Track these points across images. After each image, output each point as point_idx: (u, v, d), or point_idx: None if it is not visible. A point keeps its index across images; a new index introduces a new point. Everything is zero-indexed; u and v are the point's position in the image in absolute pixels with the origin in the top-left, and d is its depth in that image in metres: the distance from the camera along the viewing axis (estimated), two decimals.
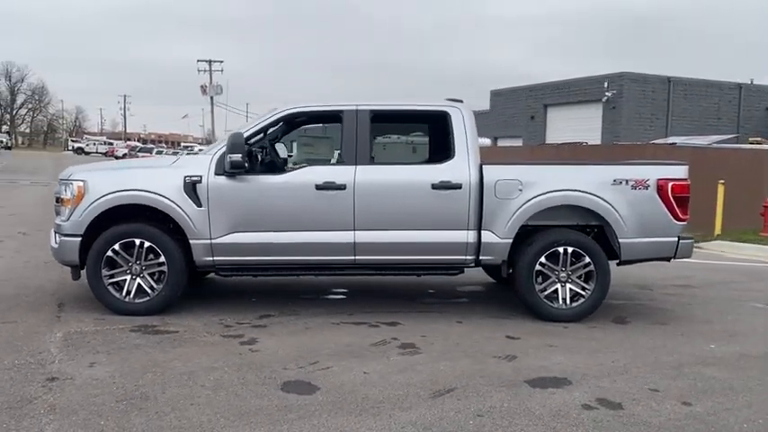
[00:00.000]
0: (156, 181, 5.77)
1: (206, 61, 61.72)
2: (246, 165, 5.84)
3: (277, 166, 6.50)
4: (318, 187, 5.78)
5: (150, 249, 5.79)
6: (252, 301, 6.54)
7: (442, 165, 5.95)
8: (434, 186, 5.82)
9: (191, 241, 5.79)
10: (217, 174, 5.77)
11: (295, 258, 5.90)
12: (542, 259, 5.94)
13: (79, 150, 75.35)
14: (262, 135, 6.50)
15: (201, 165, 5.83)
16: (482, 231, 5.89)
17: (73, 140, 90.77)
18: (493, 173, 5.90)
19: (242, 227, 5.79)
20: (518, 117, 40.28)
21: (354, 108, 6.00)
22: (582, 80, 37.50)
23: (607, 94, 35.75)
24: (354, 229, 5.83)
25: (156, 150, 60.01)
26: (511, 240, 5.91)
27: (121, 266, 5.81)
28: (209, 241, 5.78)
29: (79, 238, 5.75)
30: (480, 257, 5.95)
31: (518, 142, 38.79)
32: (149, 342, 5.04)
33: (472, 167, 5.88)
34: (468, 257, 5.95)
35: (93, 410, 3.68)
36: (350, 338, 5.27)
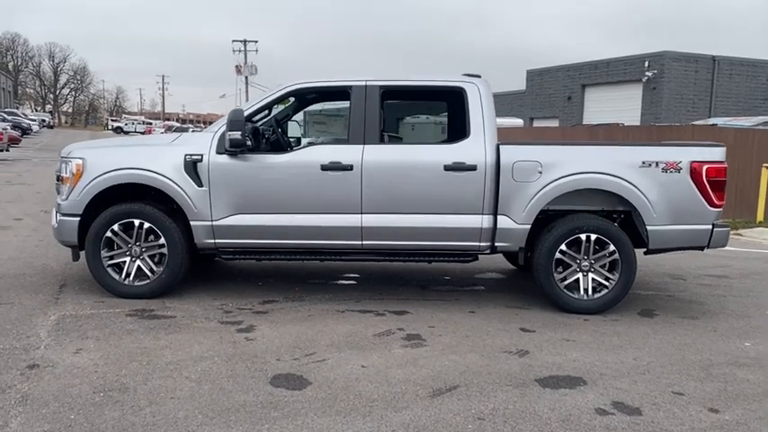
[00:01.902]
0: (155, 159, 5.54)
1: (241, 41, 61.81)
2: (249, 143, 5.57)
3: (282, 146, 6.21)
4: (324, 167, 5.47)
5: (150, 231, 5.58)
6: (258, 285, 6.30)
7: (456, 144, 5.57)
8: (447, 167, 5.45)
9: (191, 223, 5.55)
10: (218, 152, 5.51)
11: (299, 242, 5.62)
12: (563, 247, 5.53)
13: (118, 129, 76.54)
14: (267, 112, 6.22)
15: (203, 143, 5.58)
16: (498, 216, 5.51)
17: (113, 120, 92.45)
18: (510, 154, 5.50)
19: (244, 208, 5.53)
20: (555, 97, 39.27)
21: (363, 83, 5.64)
22: (621, 59, 36.25)
23: (647, 74, 34.50)
24: (361, 213, 5.52)
25: (191, 129, 60.45)
26: (529, 226, 5.52)
27: (121, 248, 5.62)
28: (210, 223, 5.54)
29: (78, 218, 5.57)
30: (496, 244, 5.57)
31: (554, 123, 37.84)
32: (143, 328, 4.83)
33: (488, 148, 5.49)
34: (483, 244, 5.57)
35: (66, 402, 3.47)
36: (353, 327, 4.98)
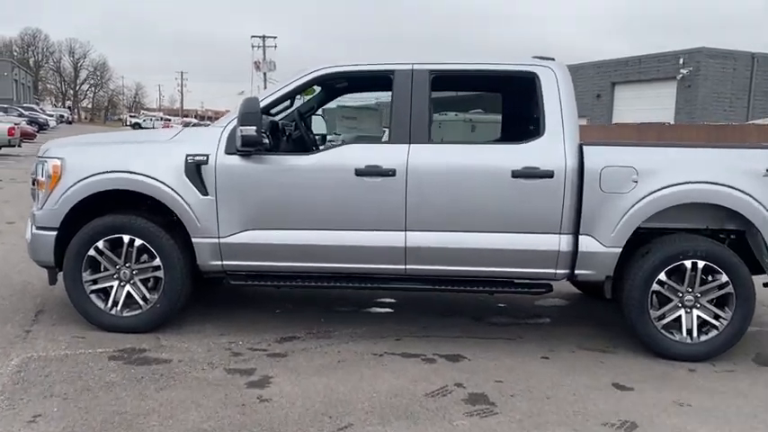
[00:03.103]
0: (149, 160, 4.44)
1: (259, 37, 60.93)
2: (266, 141, 4.46)
3: (307, 145, 5.08)
4: (359, 172, 4.34)
5: (143, 249, 4.49)
6: (275, 313, 5.18)
7: (527, 145, 4.40)
8: (516, 174, 4.29)
9: (193, 240, 4.45)
10: (228, 152, 4.40)
11: (327, 266, 4.49)
12: (662, 276, 4.34)
13: (136, 125, 76.02)
14: (288, 103, 5.11)
15: (208, 140, 4.47)
16: (580, 236, 4.34)
17: (131, 116, 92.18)
18: (597, 157, 4.32)
19: (259, 222, 4.42)
20: (583, 95, 37.78)
21: (409, 67, 4.50)
22: (654, 56, 34.74)
23: (682, 71, 32.95)
24: (406, 230, 4.38)
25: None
26: (620, 250, 4.34)
27: (107, 270, 4.54)
28: (216, 240, 4.43)
29: (54, 232, 4.50)
30: (576, 271, 4.40)
31: (582, 122, 36.36)
32: (127, 379, 3.74)
33: (569, 149, 4.32)
34: (560, 271, 4.40)
35: None
36: (397, 382, 3.84)
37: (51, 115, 54.61)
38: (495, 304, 5.69)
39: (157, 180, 4.38)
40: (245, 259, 4.49)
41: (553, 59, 4.63)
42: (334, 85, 5.53)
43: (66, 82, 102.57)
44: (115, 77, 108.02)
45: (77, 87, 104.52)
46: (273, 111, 4.93)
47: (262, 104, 4.42)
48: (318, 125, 6.09)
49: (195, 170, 4.38)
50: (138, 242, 4.46)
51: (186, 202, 4.39)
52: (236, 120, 4.34)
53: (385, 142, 4.56)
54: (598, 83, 37.56)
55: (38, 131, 37.63)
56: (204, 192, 4.39)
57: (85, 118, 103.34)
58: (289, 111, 5.26)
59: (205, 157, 4.40)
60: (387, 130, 6.41)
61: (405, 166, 4.34)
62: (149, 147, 4.58)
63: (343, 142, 8.52)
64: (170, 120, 78.81)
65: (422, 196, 4.35)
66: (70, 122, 70.94)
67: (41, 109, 59.20)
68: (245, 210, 4.41)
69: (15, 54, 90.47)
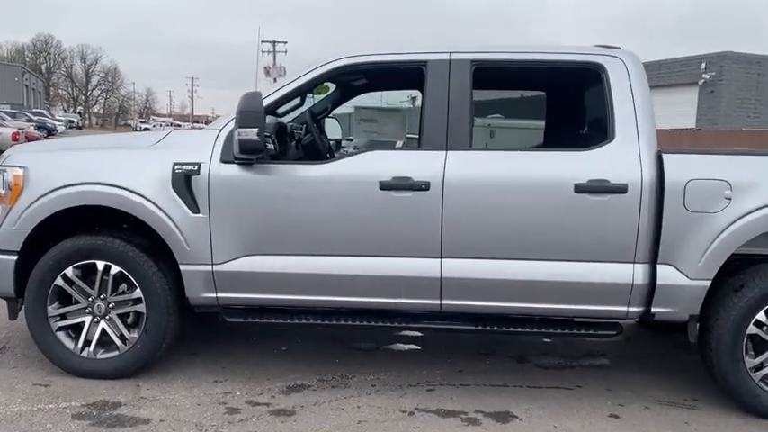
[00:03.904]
0: (127, 169, 3.65)
1: (269, 42, 60.41)
2: (271, 146, 3.67)
3: (320, 152, 4.26)
4: (384, 185, 3.52)
5: (121, 278, 3.69)
6: (280, 350, 4.36)
7: (593, 152, 3.56)
8: (580, 188, 3.45)
9: (181, 267, 3.65)
10: (224, 161, 3.60)
11: (344, 299, 3.67)
12: (760, 315, 3.49)
13: (146, 131, 75.71)
14: (298, 101, 4.30)
15: (200, 146, 3.67)
16: (659, 266, 3.49)
17: (141, 121, 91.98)
18: (681, 167, 3.48)
19: (262, 246, 3.61)
20: None
21: (446, 57, 3.68)
22: (675, 61, 33.71)
23: (704, 76, 31.89)
24: (441, 256, 3.55)
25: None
26: (709, 282, 3.48)
27: (78, 303, 3.74)
28: (209, 268, 3.63)
29: (14, 256, 3.71)
30: (653, 309, 3.54)
31: None
32: None
33: (645, 157, 3.48)
34: (633, 309, 3.55)
35: None
36: None
37: (60, 120, 54.27)
38: (539, 339, 4.82)
39: (138, 194, 3.58)
40: (245, 291, 3.68)
41: (620, 48, 3.79)
42: (351, 81, 4.72)
43: (78, 87, 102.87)
44: (126, 83, 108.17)
45: (89, 93, 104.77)
46: (280, 111, 4.12)
47: (265, 102, 3.61)
48: (330, 129, 5.25)
49: (184, 182, 3.58)
50: (114, 269, 3.66)
51: (173, 221, 3.59)
52: (233, 121, 3.53)
53: (413, 148, 3.73)
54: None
55: (46, 136, 37.20)
56: (195, 208, 3.59)
57: (96, 123, 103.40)
58: (298, 111, 4.46)
59: (196, 167, 3.59)
60: (407, 135, 5.60)
61: (441, 178, 3.52)
62: (129, 154, 3.77)
63: (356, 149, 7.69)
64: (180, 125, 78.34)
65: (462, 215, 3.52)
66: (80, 127, 70.66)
67: (51, 114, 58.92)
68: (244, 231, 3.60)
69: (28, 60, 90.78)
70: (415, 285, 3.59)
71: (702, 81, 32.01)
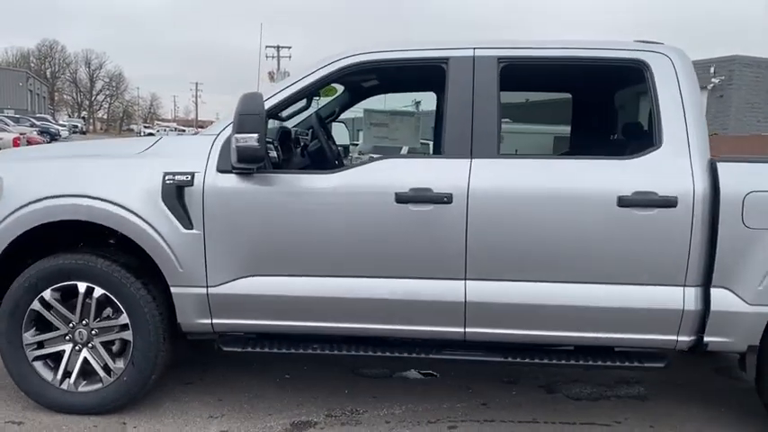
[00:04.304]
0: (113, 180, 3.25)
1: (274, 47, 60.07)
2: (274, 153, 3.29)
3: (328, 160, 3.85)
4: (401, 198, 3.11)
5: (105, 301, 3.29)
6: (284, 378, 3.95)
7: (637, 160, 3.15)
8: (624, 202, 3.04)
9: (173, 290, 3.25)
10: (221, 170, 3.20)
11: (354, 326, 3.25)
12: None
13: (150, 136, 75.49)
14: (304, 104, 3.91)
15: (194, 153, 3.27)
16: (713, 289, 3.07)
17: (145, 126, 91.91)
18: (739, 178, 3.06)
19: (263, 266, 3.21)
20: None
21: (469, 53, 3.28)
22: None
23: (714, 80, 31.41)
24: (466, 278, 3.14)
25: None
26: None
27: (57, 329, 3.34)
28: (204, 290, 3.23)
29: None
30: (705, 338, 3.12)
31: None
32: None
33: (697, 166, 3.07)
34: (683, 338, 3.13)
35: None
36: None
37: (64, 125, 54.05)
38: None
39: (123, 207, 3.19)
40: (244, 316, 3.27)
41: (662, 44, 3.39)
42: (362, 82, 4.33)
43: (82, 93, 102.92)
44: (131, 88, 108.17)
45: (93, 98, 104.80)
46: (284, 114, 3.73)
47: (268, 104, 3.22)
48: (337, 135, 4.86)
49: (176, 194, 3.19)
50: (98, 292, 3.27)
51: (163, 238, 3.19)
52: (231, 126, 3.13)
53: (432, 156, 3.34)
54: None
55: (49, 141, 36.95)
56: (188, 224, 3.19)
57: (101, 128, 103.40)
58: (304, 114, 4.07)
59: (189, 177, 3.19)
60: (420, 141, 5.19)
61: (465, 190, 3.11)
62: (115, 163, 3.36)
63: (361, 155, 7.34)
64: (184, 130, 78.10)
65: (489, 231, 3.11)
66: (84, 132, 70.50)
67: (54, 119, 58.77)
68: (243, 249, 3.20)
69: (33, 65, 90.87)
70: (436, 311, 3.18)
71: (711, 85, 31.57)
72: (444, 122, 3.27)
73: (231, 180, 3.19)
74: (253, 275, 3.22)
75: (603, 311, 3.11)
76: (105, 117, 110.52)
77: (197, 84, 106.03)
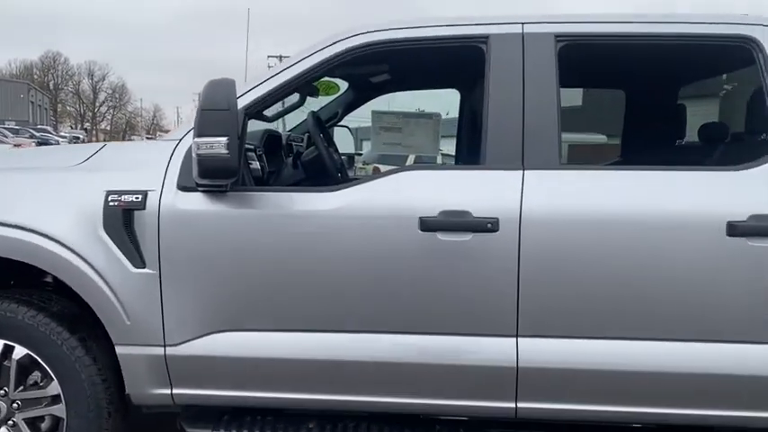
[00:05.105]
0: (37, 201, 2.41)
1: (276, 57, 59.48)
2: (255, 165, 2.46)
3: (329, 173, 2.97)
4: (427, 224, 2.27)
5: (30, 364, 2.45)
6: None
7: (750, 172, 2.29)
8: (736, 230, 2.19)
9: (118, 350, 2.40)
10: (183, 187, 2.36)
11: (367, 399, 2.40)
12: None
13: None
14: (298, 102, 3.09)
15: (148, 165, 2.44)
16: None
17: (148, 137, 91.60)
18: None
19: (241, 317, 2.37)
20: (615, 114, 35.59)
21: (517, 29, 2.44)
22: None
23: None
24: (518, 334, 2.29)
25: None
26: None
27: None
28: (160, 350, 2.38)
29: None
30: None
31: None
32: None
33: None
34: None
35: None
36: None
37: (65, 137, 53.51)
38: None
39: (50, 238, 2.35)
40: (215, 386, 2.42)
41: None
42: (370, 74, 3.48)
43: (85, 104, 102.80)
44: (134, 99, 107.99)
45: (96, 109, 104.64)
46: (270, 113, 2.89)
47: (248, 99, 2.40)
48: (339, 142, 4.00)
49: (122, 220, 2.35)
50: (19, 352, 2.43)
51: (105, 280, 2.35)
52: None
53: (472, 167, 2.50)
54: (614, 106, 35.33)
55: None
56: (138, 261, 2.35)
57: (104, 140, 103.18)
58: (284, 110, 3.23)
59: (140, 197, 2.36)
60: (440, 150, 4.34)
61: (516, 213, 2.26)
62: (41, 178, 2.51)
63: (365, 164, 6.51)
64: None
65: (549, 269, 2.27)
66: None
67: (56, 130, 58.30)
68: (214, 294, 2.36)
69: (36, 77, 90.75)
70: (477, 379, 2.32)
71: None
72: (485, 120, 2.42)
73: (197, 201, 2.35)
74: (227, 330, 2.38)
75: (708, 379, 2.26)
76: (108, 128, 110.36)
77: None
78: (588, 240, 2.25)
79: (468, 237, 2.27)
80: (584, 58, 2.74)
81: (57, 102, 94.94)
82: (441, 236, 2.28)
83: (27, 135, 41.50)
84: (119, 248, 2.35)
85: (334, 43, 2.48)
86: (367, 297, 2.34)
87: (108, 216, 2.35)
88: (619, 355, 2.27)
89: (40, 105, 74.49)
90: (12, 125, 46.09)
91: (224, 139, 2.12)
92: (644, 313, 2.25)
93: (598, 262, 2.25)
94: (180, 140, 2.45)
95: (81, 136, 72.51)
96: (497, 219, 2.26)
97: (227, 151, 2.13)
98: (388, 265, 2.32)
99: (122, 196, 2.36)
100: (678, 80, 3.42)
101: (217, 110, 2.14)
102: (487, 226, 2.26)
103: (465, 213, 2.28)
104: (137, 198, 2.35)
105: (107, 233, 2.35)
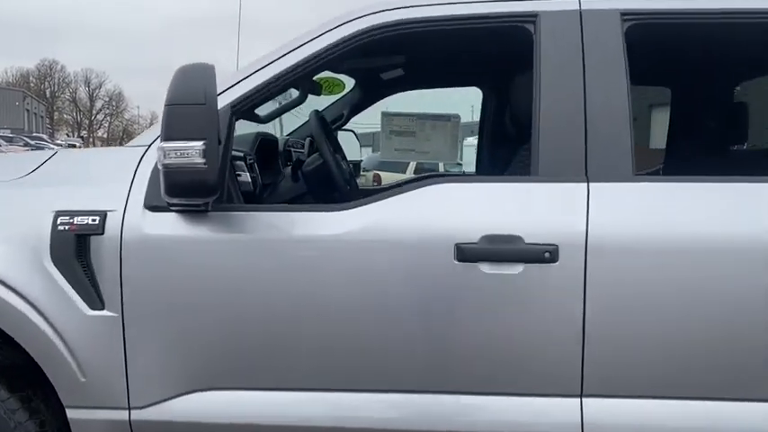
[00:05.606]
0: None
1: None
2: (245, 176, 1.94)
3: (336, 186, 2.45)
4: (466, 253, 1.76)
5: None
6: None
7: None
8: None
9: (69, 414, 1.88)
10: (152, 206, 1.84)
11: None
12: None
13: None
14: (299, 99, 2.57)
15: (107, 178, 1.93)
16: None
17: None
18: None
19: (226, 374, 1.86)
20: None
21: (574, 6, 1.94)
22: None
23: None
24: (582, 394, 1.78)
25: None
26: None
27: None
28: (124, 414, 1.86)
29: None
30: None
31: None
32: None
33: None
34: None
35: None
36: None
37: (60, 144, 53.14)
38: None
39: None
40: None
41: None
42: (382, 68, 2.98)
43: (82, 112, 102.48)
44: (130, 107, 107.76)
45: (93, 117, 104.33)
46: (263, 112, 2.37)
47: (232, 93, 1.89)
48: (352, 148, 3.52)
49: (75, 249, 1.83)
50: None
51: (52, 326, 1.83)
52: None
53: (521, 179, 1.98)
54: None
55: None
56: (96, 301, 1.83)
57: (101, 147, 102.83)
58: (281, 108, 2.71)
59: (98, 219, 1.84)
60: (458, 159, 3.82)
61: (582, 237, 1.75)
62: None
63: (365, 172, 6.02)
64: None
65: (624, 310, 1.76)
66: None
67: (51, 138, 57.90)
68: (192, 343, 1.85)
69: (32, 85, 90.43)
70: None
71: None
72: (535, 120, 1.91)
73: (170, 224, 1.84)
74: (210, 389, 1.86)
75: None
76: (105, 136, 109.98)
77: None
78: (678, 275, 1.74)
79: (518, 269, 1.76)
80: (654, 42, 2.23)
81: (53, 110, 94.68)
82: (483, 267, 1.77)
83: (21, 143, 41.07)
84: (70, 285, 1.83)
85: (345, 24, 1.97)
86: (386, 345, 1.82)
87: (56, 243, 1.83)
88: (719, 420, 1.75)
89: (35, 113, 74.09)
90: (6, 133, 45.66)
91: (199, 144, 1.60)
92: (752, 367, 1.74)
93: (690, 303, 1.74)
94: (149, 146, 1.94)
95: (77, 143, 72.11)
96: (557, 246, 1.75)
97: (203, 160, 1.61)
98: (415, 305, 1.81)
99: (75, 218, 1.84)
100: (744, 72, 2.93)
101: (189, 104, 1.62)
102: (544, 255, 1.75)
103: (515, 239, 1.76)
104: (93, 220, 1.84)
105: (55, 265, 1.83)
